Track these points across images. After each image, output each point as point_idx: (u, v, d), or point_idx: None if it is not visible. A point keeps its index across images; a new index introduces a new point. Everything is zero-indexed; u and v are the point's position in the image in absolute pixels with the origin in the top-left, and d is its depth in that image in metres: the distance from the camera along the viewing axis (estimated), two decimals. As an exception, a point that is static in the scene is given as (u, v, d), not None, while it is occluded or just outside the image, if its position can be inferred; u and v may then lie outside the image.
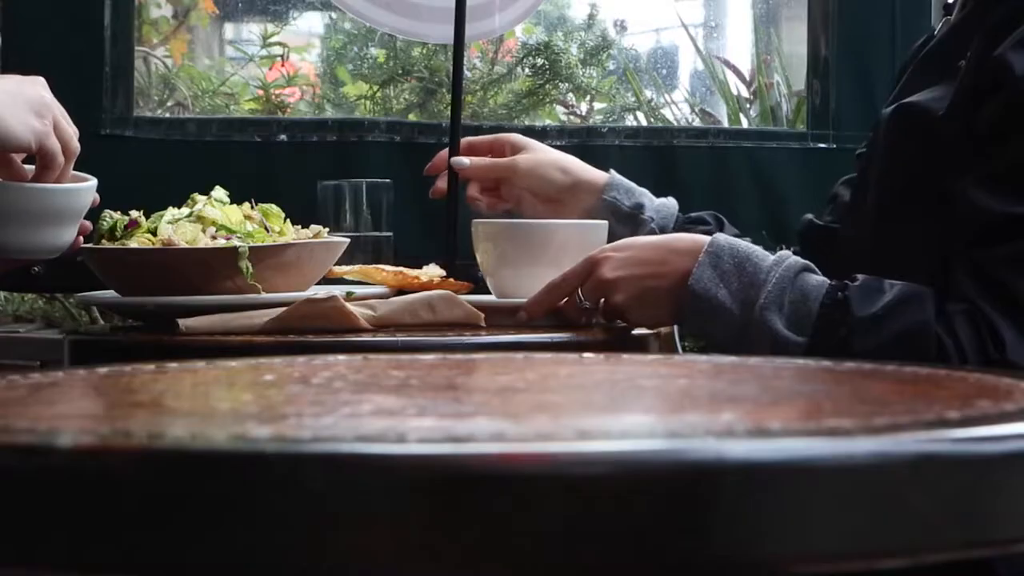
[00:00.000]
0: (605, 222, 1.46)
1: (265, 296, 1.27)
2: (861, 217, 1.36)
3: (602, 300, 1.28)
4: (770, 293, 1.19)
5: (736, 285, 1.21)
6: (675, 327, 1.50)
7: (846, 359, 1.15)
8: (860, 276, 1.20)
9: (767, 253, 1.24)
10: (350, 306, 1.25)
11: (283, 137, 2.06)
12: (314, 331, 1.22)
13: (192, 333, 1.22)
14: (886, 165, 1.33)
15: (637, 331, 1.34)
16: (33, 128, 1.19)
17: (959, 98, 1.22)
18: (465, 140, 1.63)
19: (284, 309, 1.24)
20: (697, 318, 1.24)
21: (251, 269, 1.27)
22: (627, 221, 1.53)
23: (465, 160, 1.57)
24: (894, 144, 1.32)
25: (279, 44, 2.95)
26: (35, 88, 1.21)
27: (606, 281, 1.26)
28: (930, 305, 1.16)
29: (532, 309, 1.31)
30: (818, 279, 1.21)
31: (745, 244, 1.25)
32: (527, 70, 2.71)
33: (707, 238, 1.25)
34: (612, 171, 1.59)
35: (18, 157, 1.24)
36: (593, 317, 1.31)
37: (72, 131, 1.23)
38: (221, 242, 1.30)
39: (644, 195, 1.56)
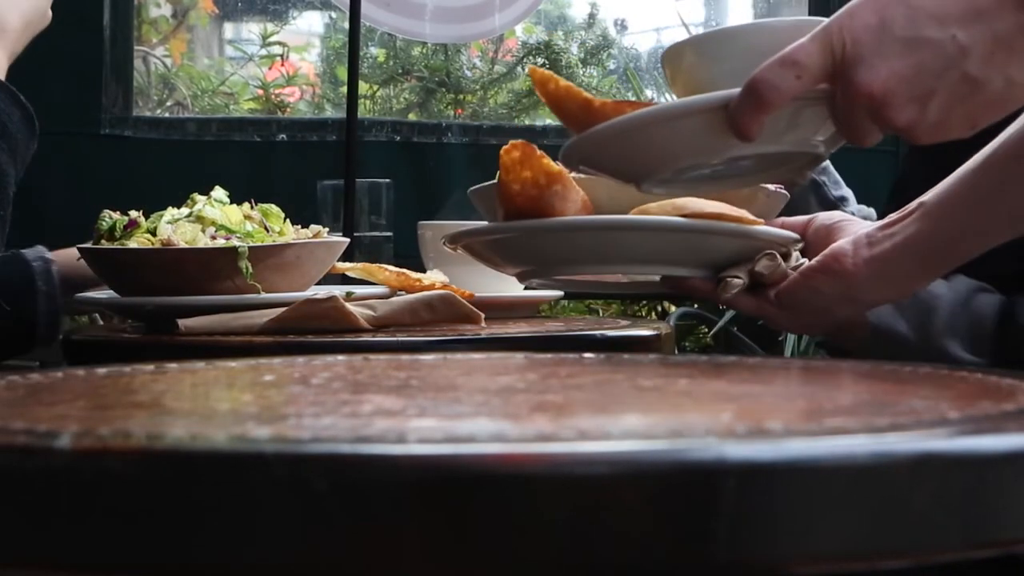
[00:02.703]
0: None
1: (265, 296, 1.27)
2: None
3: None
4: (946, 321, 1.19)
5: (911, 312, 1.19)
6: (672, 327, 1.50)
7: None
8: None
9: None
10: (350, 306, 1.24)
11: (283, 137, 2.06)
12: (314, 331, 1.22)
13: (192, 333, 1.22)
14: (928, 159, 1.33)
15: (637, 332, 1.34)
16: None
17: None
18: None
19: (284, 309, 1.23)
20: (878, 351, 1.20)
21: (251, 269, 1.27)
22: None
23: None
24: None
25: (279, 44, 2.95)
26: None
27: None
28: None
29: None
30: (991, 297, 1.21)
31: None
32: (527, 70, 2.71)
33: None
34: None
35: None
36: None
37: None
38: (221, 242, 1.30)
39: None
